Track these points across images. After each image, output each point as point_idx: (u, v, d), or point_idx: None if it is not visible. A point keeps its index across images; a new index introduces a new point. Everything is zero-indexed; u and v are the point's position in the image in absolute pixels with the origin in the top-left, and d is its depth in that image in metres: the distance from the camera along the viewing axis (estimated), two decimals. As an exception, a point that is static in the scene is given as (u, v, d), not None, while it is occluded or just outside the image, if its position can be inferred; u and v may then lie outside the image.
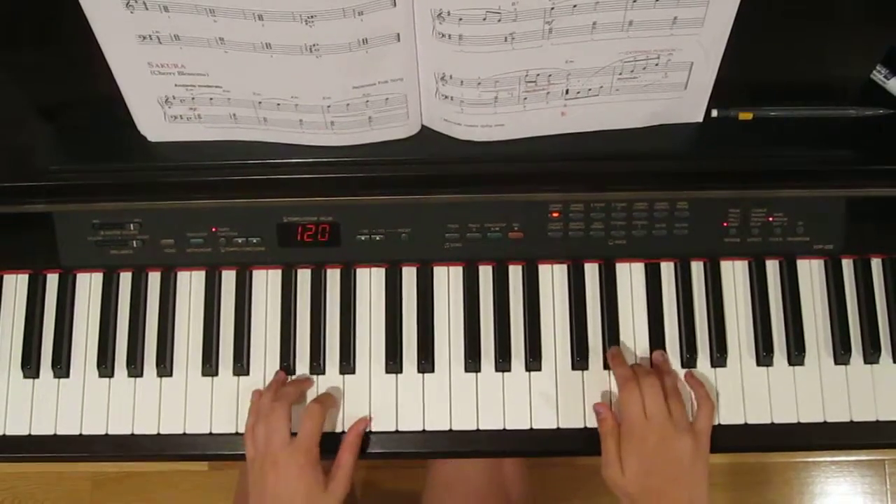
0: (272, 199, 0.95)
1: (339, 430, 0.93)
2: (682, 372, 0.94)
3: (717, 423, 0.93)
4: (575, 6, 0.74)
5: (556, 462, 0.88)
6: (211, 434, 0.94)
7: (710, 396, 0.90)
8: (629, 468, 0.85)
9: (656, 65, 0.82)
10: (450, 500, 1.10)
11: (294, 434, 0.87)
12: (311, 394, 0.95)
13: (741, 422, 0.93)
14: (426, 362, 0.94)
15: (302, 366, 0.95)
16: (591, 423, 0.92)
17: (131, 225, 0.96)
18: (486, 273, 0.97)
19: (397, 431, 0.93)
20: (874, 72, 0.91)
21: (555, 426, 0.93)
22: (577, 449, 0.94)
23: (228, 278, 0.97)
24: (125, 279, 0.97)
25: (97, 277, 0.98)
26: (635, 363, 0.94)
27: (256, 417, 0.89)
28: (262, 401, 0.90)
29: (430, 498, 1.14)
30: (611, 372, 0.93)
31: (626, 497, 0.85)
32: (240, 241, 0.96)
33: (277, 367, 0.95)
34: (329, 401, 0.92)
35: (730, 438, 0.93)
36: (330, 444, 0.90)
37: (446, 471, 1.12)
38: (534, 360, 0.94)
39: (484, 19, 0.75)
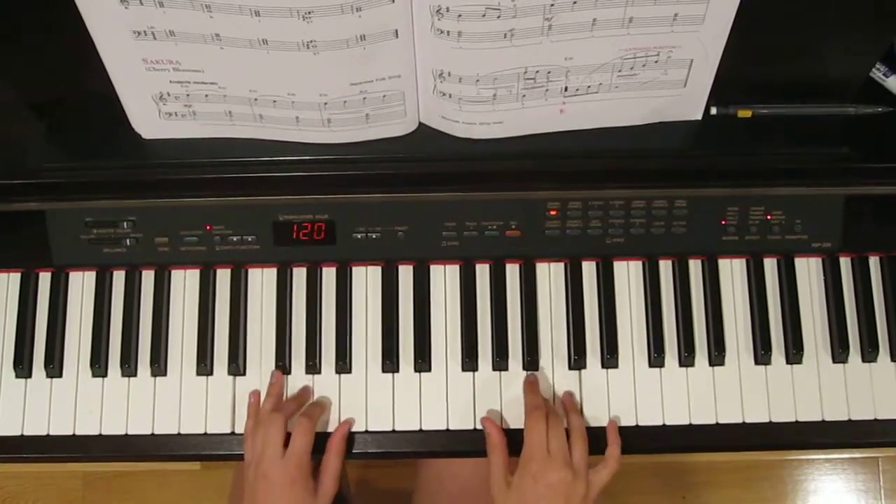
0: (267, 197, 0.94)
1: (333, 429, 0.92)
2: (680, 372, 0.94)
3: (715, 422, 0.93)
4: (575, 2, 0.74)
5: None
6: (206, 434, 0.93)
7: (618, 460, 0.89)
8: (518, 495, 0.84)
9: (656, 62, 0.82)
10: (441, 497, 1.10)
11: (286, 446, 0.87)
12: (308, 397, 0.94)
13: (739, 420, 0.93)
14: (423, 361, 0.94)
15: (297, 365, 0.94)
16: (591, 423, 0.92)
17: (125, 223, 0.95)
18: (483, 271, 0.96)
19: (394, 431, 0.93)
20: (873, 69, 0.91)
21: (552, 425, 0.92)
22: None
23: (223, 277, 0.96)
24: (118, 278, 0.96)
25: (90, 276, 0.97)
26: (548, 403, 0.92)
27: (255, 423, 0.89)
28: (262, 407, 0.91)
29: (421, 496, 1.13)
30: (609, 371, 0.93)
31: None
32: (235, 239, 0.95)
33: (273, 367, 0.94)
34: (318, 411, 0.91)
35: (728, 437, 0.93)
36: (323, 443, 0.90)
37: (437, 468, 1.11)
38: (531, 360, 0.93)
39: (483, 16, 0.74)
